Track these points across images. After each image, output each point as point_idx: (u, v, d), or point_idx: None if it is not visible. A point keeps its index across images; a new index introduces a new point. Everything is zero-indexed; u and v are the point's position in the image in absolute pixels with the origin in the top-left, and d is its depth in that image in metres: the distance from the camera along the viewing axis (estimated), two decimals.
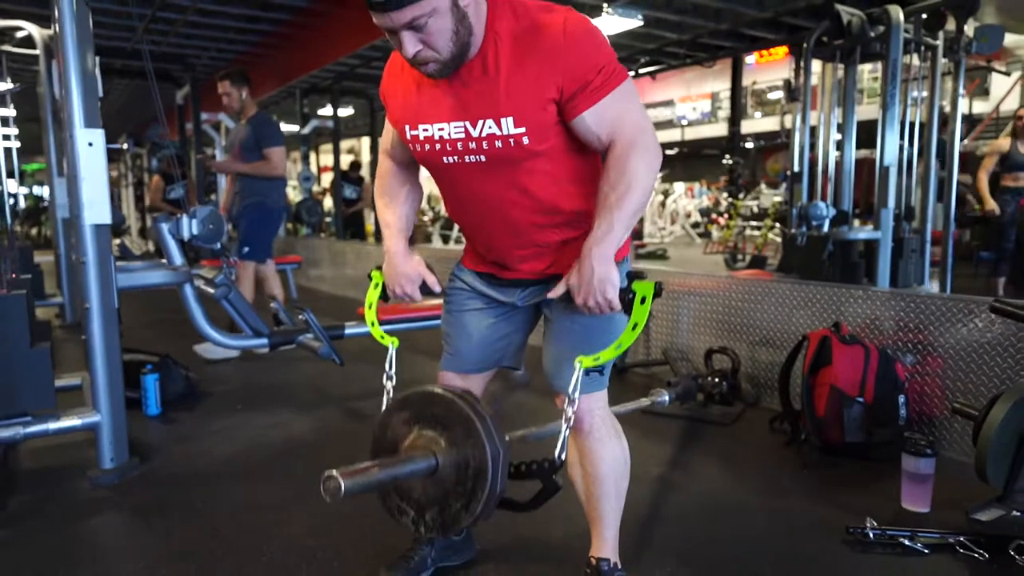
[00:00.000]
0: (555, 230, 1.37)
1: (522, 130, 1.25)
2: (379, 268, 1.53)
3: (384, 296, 1.53)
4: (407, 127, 1.36)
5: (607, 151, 1.28)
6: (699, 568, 1.77)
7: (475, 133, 1.28)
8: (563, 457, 1.30)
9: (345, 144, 16.79)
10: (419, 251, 3.29)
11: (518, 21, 1.23)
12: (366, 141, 20.55)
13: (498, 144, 1.27)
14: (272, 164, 4.05)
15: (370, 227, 12.28)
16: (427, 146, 1.34)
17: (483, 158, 1.30)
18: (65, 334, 4.83)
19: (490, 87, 1.24)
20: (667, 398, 2.61)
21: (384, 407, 1.44)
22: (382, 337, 1.54)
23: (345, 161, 10.18)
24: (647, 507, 2.07)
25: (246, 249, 4.05)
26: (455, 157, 1.32)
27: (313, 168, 11.44)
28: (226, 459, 2.56)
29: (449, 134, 1.30)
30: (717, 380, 2.93)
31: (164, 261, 2.82)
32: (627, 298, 1.25)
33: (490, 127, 1.26)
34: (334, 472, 1.12)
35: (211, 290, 2.75)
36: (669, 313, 3.48)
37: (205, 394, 3.33)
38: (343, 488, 1.10)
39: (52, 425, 2.26)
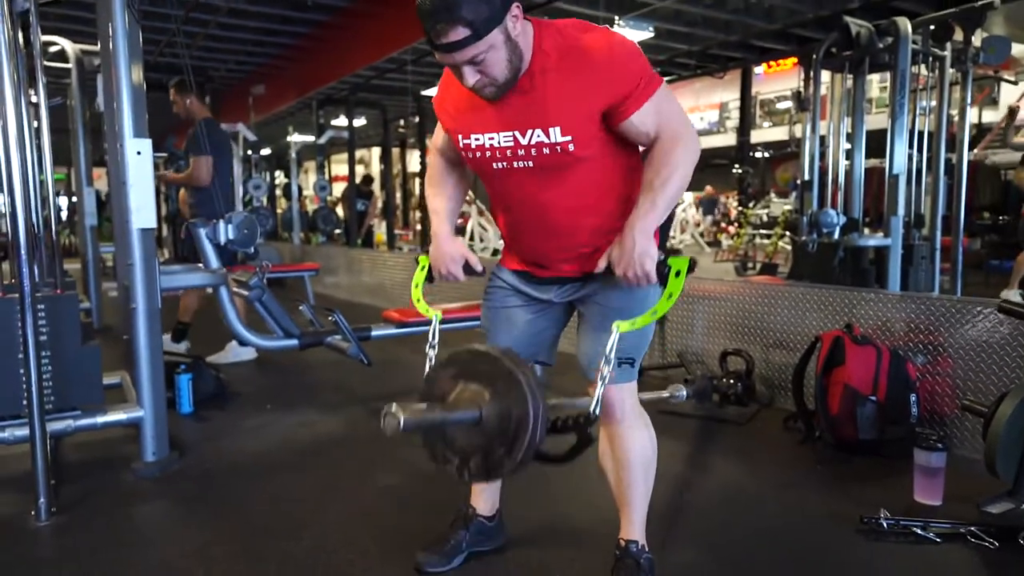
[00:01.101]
0: (594, 233, 1.48)
1: (568, 138, 1.37)
2: (426, 252, 1.65)
3: (430, 278, 1.65)
4: (460, 136, 1.48)
5: (652, 145, 1.41)
6: (720, 554, 1.86)
7: (524, 141, 1.40)
8: (597, 412, 1.38)
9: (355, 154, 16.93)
10: None
11: (564, 40, 1.36)
12: (376, 151, 20.77)
13: (546, 151, 1.39)
14: (193, 174, 3.91)
15: (380, 236, 12.44)
16: (478, 153, 1.47)
17: (531, 163, 1.42)
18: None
19: (538, 99, 1.36)
20: (684, 393, 2.71)
21: (425, 373, 1.51)
22: (427, 310, 1.64)
23: (357, 172, 10.34)
24: (668, 499, 2.16)
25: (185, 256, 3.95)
26: (504, 163, 1.45)
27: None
28: (259, 455, 2.67)
29: (499, 143, 1.42)
30: (732, 381, 3.02)
31: (200, 264, 2.94)
32: (663, 271, 1.37)
33: (539, 136, 1.38)
34: (394, 407, 1.20)
35: (245, 292, 2.86)
36: (684, 316, 3.58)
37: (235, 394, 3.45)
38: (401, 422, 1.18)
39: (100, 419, 2.38)
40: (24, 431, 2.12)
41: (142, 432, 2.43)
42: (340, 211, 10.59)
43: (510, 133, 1.40)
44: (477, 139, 1.45)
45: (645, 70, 1.37)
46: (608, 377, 1.38)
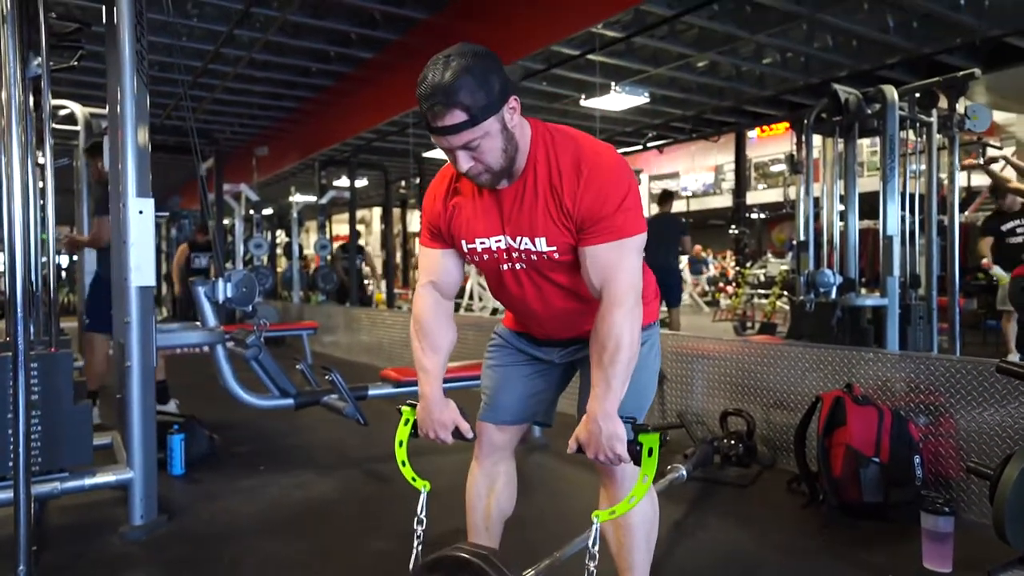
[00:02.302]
0: (594, 314, 1.44)
1: (553, 248, 1.40)
2: (410, 405, 1.56)
3: (414, 433, 1.56)
4: (464, 242, 1.49)
5: (594, 289, 1.38)
6: None
7: (515, 246, 1.43)
8: (595, 550, 1.33)
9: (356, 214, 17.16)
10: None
11: (552, 151, 1.37)
12: (377, 211, 21.06)
13: (534, 257, 1.43)
14: (97, 234, 3.87)
15: (380, 296, 12.46)
16: (485, 256, 1.48)
17: (525, 266, 1.46)
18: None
19: (527, 210, 1.39)
20: (684, 473, 2.64)
21: (413, 557, 1.46)
22: (414, 479, 1.52)
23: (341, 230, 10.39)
24: (670, 565, 2.09)
25: (87, 320, 3.98)
26: (508, 264, 1.47)
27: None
28: (251, 517, 2.60)
29: (497, 245, 1.45)
30: (733, 442, 2.98)
31: (198, 323, 2.93)
32: (635, 450, 1.32)
33: (526, 244, 1.41)
34: None
35: (242, 350, 2.85)
36: (683, 376, 3.55)
37: (228, 455, 3.38)
38: None
39: (88, 481, 2.33)
40: (7, 494, 2.07)
41: (131, 494, 2.38)
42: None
43: (503, 237, 1.44)
44: (482, 242, 1.46)
45: (620, 210, 1.33)
46: (596, 558, 1.32)
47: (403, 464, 1.54)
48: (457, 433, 1.51)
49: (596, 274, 1.36)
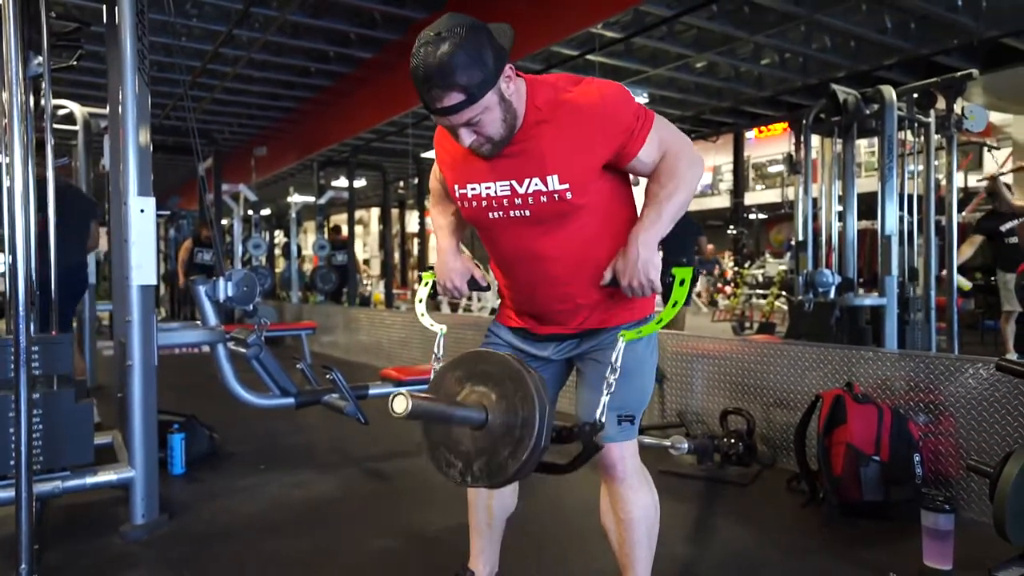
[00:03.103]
0: (592, 284, 1.47)
1: (566, 186, 1.39)
2: (430, 269, 1.66)
3: (433, 293, 1.65)
4: (455, 186, 1.50)
5: (658, 165, 1.44)
6: None
7: (521, 190, 1.41)
8: (603, 420, 1.37)
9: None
10: (440, 317, 3.39)
11: (556, 93, 1.39)
12: (375, 212, 21.05)
13: (543, 199, 1.41)
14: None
15: (378, 296, 12.45)
16: (474, 203, 1.48)
17: (528, 212, 1.43)
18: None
19: (534, 150, 1.39)
20: (686, 445, 2.66)
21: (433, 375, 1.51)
22: (431, 325, 1.65)
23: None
24: (671, 563, 2.10)
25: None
26: (500, 212, 1.46)
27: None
28: (252, 516, 2.60)
29: (495, 192, 1.44)
30: (733, 441, 2.98)
31: (199, 322, 2.93)
32: (667, 281, 1.38)
33: (536, 184, 1.40)
34: (403, 391, 1.18)
35: (243, 350, 2.85)
36: (683, 375, 3.56)
37: (228, 454, 3.38)
38: (410, 405, 1.15)
39: (89, 480, 2.32)
40: (9, 492, 2.07)
41: (132, 493, 2.37)
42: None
43: (507, 182, 1.42)
44: (474, 188, 1.46)
45: (638, 110, 1.41)
46: (612, 386, 1.38)
47: (421, 316, 1.68)
48: (472, 282, 1.59)
49: (656, 156, 1.42)
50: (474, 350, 1.37)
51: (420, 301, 1.68)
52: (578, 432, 1.36)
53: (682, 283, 1.37)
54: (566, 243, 1.45)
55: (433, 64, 1.24)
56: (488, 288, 1.63)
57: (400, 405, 1.17)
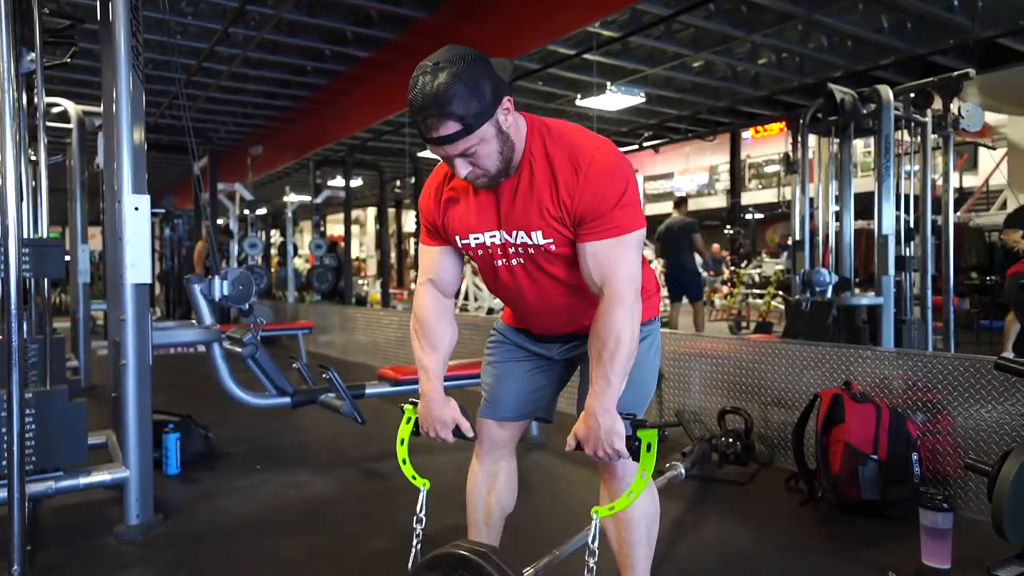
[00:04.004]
0: (593, 307, 1.44)
1: (550, 240, 1.38)
2: (411, 403, 1.56)
3: (416, 432, 1.56)
4: (458, 237, 1.48)
5: (594, 286, 1.37)
6: None
7: (512, 240, 1.42)
8: (595, 546, 1.32)
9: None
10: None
11: (549, 146, 1.36)
12: (372, 211, 21.02)
13: (531, 251, 1.41)
14: None
15: (375, 296, 12.43)
16: (480, 251, 1.47)
17: (522, 260, 1.44)
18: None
19: (523, 204, 1.38)
20: (682, 471, 2.64)
21: (412, 555, 1.46)
22: (413, 478, 1.52)
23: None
24: (668, 562, 2.09)
25: None
26: (504, 260, 1.46)
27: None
28: (248, 517, 2.58)
29: (488, 242, 1.44)
30: (731, 440, 2.97)
31: (194, 321, 2.91)
32: (634, 446, 1.32)
33: (523, 237, 1.40)
34: None
35: (239, 349, 2.83)
36: (681, 375, 3.55)
37: (224, 454, 3.36)
38: None
39: (83, 480, 2.30)
40: (1, 493, 2.04)
41: (126, 494, 2.35)
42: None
43: (497, 232, 1.43)
44: (477, 238, 1.45)
45: (618, 206, 1.32)
46: (595, 569, 1.31)
47: (404, 462, 1.54)
48: (458, 431, 1.50)
49: (596, 271, 1.35)
50: (452, 551, 1.28)
51: (402, 443, 1.55)
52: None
53: (649, 448, 1.30)
54: (563, 282, 1.45)
55: (430, 93, 1.23)
56: (474, 438, 1.55)
57: None
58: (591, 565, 1.31)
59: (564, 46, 6.71)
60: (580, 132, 1.40)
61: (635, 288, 1.36)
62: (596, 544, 1.31)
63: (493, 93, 1.27)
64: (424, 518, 1.49)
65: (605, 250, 1.34)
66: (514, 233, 1.40)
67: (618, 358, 1.32)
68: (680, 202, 7.43)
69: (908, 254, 4.92)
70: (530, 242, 1.39)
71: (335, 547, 2.28)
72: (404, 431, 1.56)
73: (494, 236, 1.43)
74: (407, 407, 1.56)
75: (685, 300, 6.98)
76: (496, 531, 1.71)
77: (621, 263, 1.34)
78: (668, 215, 7.43)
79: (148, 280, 2.41)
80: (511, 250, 1.43)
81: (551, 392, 1.65)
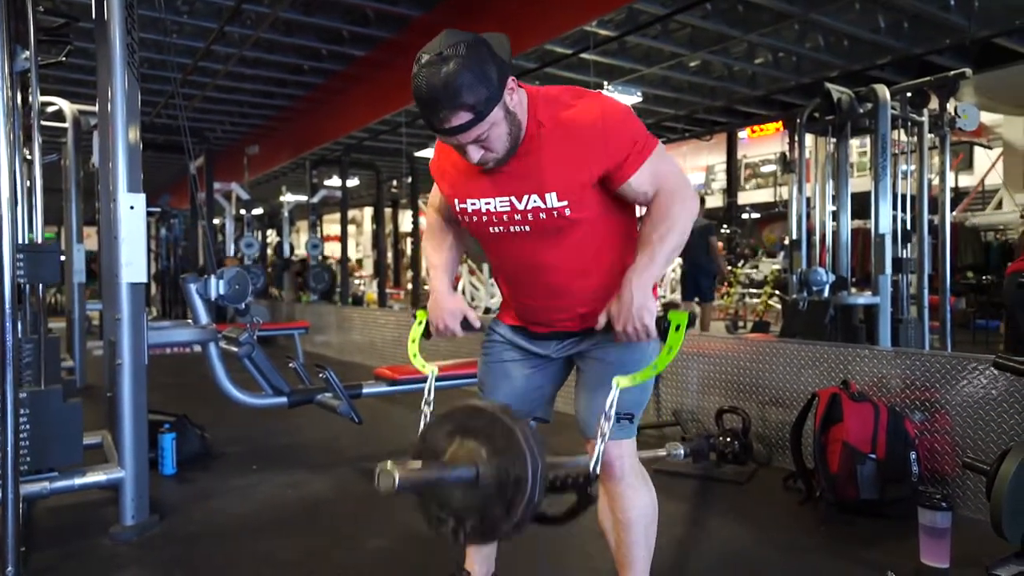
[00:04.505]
0: (593, 295, 1.46)
1: (564, 203, 1.38)
2: (424, 308, 1.63)
3: (427, 333, 1.63)
4: (456, 201, 1.48)
5: (651, 200, 1.41)
6: None
7: (520, 207, 1.40)
8: (597, 470, 1.34)
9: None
10: None
11: (557, 107, 1.37)
12: (368, 211, 20.98)
13: (542, 216, 1.40)
14: None
15: (371, 296, 12.40)
16: (474, 218, 1.47)
17: (528, 228, 1.42)
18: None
19: (533, 166, 1.37)
20: (682, 451, 2.65)
21: (420, 431, 1.46)
22: (423, 366, 1.63)
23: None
24: (668, 562, 2.08)
25: None
26: (500, 227, 1.45)
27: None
28: (245, 517, 2.57)
29: (495, 207, 1.43)
30: (729, 439, 2.97)
31: (190, 320, 2.90)
32: (663, 326, 1.35)
33: (535, 201, 1.39)
34: (388, 464, 1.15)
35: (235, 349, 2.81)
36: (679, 374, 3.55)
37: (220, 454, 3.35)
38: (397, 481, 1.13)
39: (78, 480, 2.29)
40: None
41: (122, 494, 2.34)
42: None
43: (507, 198, 1.41)
44: (474, 204, 1.45)
45: (639, 133, 1.38)
46: (608, 433, 1.35)
47: (414, 356, 1.65)
48: (466, 323, 1.57)
49: (649, 188, 1.39)
50: (465, 403, 1.33)
51: (413, 341, 1.66)
52: (572, 483, 1.33)
53: (677, 328, 1.34)
54: (566, 256, 1.44)
55: (438, 85, 1.22)
56: (481, 329, 1.61)
57: (387, 481, 1.14)
58: (605, 429, 1.34)
59: (561, 45, 6.70)
60: (578, 91, 1.42)
61: (686, 183, 1.42)
62: (613, 411, 1.35)
63: (499, 75, 1.27)
64: (432, 401, 1.54)
65: (647, 169, 1.38)
66: (525, 198, 1.39)
67: (668, 242, 1.36)
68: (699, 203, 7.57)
69: (905, 255, 4.92)
70: (543, 205, 1.38)
71: (332, 547, 2.27)
72: (416, 332, 1.66)
73: (502, 202, 1.42)
74: (419, 312, 1.65)
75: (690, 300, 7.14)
76: None
77: (666, 171, 1.40)
78: None
79: (144, 279, 2.40)
80: (517, 216, 1.41)
81: (549, 392, 1.64)
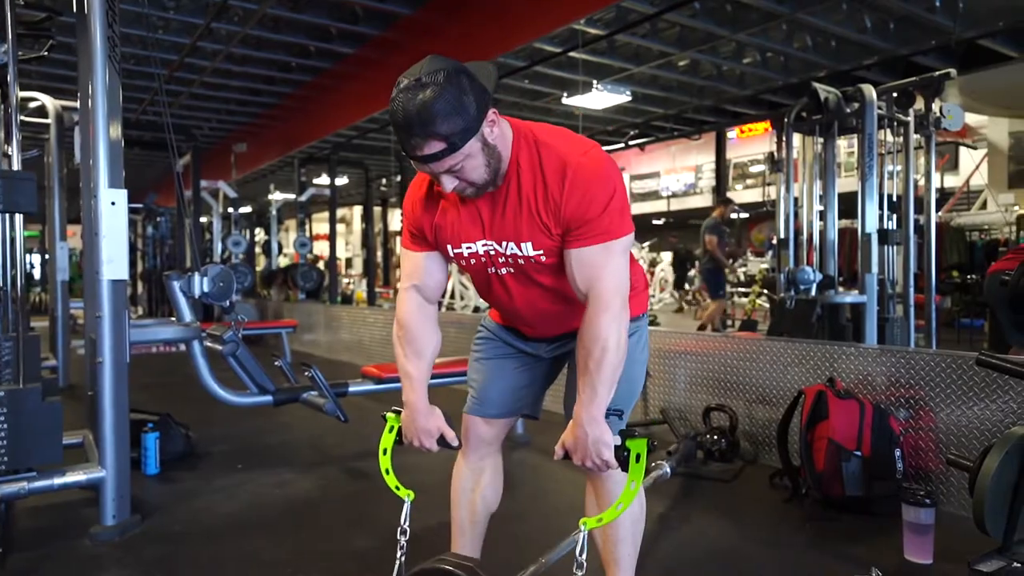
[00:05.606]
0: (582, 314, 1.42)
1: (540, 252, 1.37)
2: (395, 412, 1.51)
3: (399, 440, 1.52)
4: (450, 247, 1.45)
5: (584, 294, 1.34)
6: None
7: (502, 250, 1.40)
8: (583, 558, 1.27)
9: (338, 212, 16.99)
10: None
11: (535, 155, 1.33)
12: (358, 210, 20.91)
13: (521, 261, 1.40)
14: None
15: (360, 294, 12.35)
16: (472, 260, 1.45)
17: (512, 269, 1.43)
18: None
19: (512, 215, 1.36)
20: (668, 471, 2.63)
21: (396, 568, 1.42)
22: (397, 488, 1.47)
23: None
24: (653, 559, 2.08)
25: None
26: (493, 268, 1.44)
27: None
28: (229, 517, 2.54)
29: (480, 251, 1.42)
30: (716, 437, 2.98)
31: (173, 318, 2.87)
32: (623, 455, 1.28)
33: (512, 248, 1.38)
34: None
35: (219, 347, 2.79)
36: (666, 373, 3.55)
37: (204, 453, 3.32)
38: None
39: (57, 480, 2.26)
40: None
41: (102, 494, 2.31)
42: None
43: (490, 243, 1.41)
44: (469, 247, 1.43)
45: (605, 212, 1.30)
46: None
47: (387, 472, 1.48)
48: (442, 440, 1.47)
49: (582, 277, 1.33)
50: (434, 565, 1.24)
51: (384, 452, 1.49)
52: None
53: (638, 458, 1.27)
54: (554, 289, 1.44)
55: (412, 112, 1.19)
56: (459, 447, 1.51)
57: None
58: None
59: (550, 44, 6.69)
60: (567, 137, 1.36)
61: (621, 295, 1.33)
62: (584, 556, 1.26)
63: (478, 107, 1.23)
64: (408, 530, 1.43)
65: (591, 257, 1.31)
66: (504, 243, 1.38)
67: (604, 367, 1.29)
68: (722, 203, 7.93)
69: (891, 228, 4.93)
70: (520, 253, 1.37)
71: (319, 547, 2.25)
72: (387, 440, 1.50)
73: (485, 245, 1.40)
74: (390, 416, 1.51)
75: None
76: (480, 529, 1.69)
77: (607, 270, 1.31)
78: (654, 215, 7.65)
79: (125, 276, 2.37)
80: (500, 259, 1.41)
81: (538, 389, 1.64)
